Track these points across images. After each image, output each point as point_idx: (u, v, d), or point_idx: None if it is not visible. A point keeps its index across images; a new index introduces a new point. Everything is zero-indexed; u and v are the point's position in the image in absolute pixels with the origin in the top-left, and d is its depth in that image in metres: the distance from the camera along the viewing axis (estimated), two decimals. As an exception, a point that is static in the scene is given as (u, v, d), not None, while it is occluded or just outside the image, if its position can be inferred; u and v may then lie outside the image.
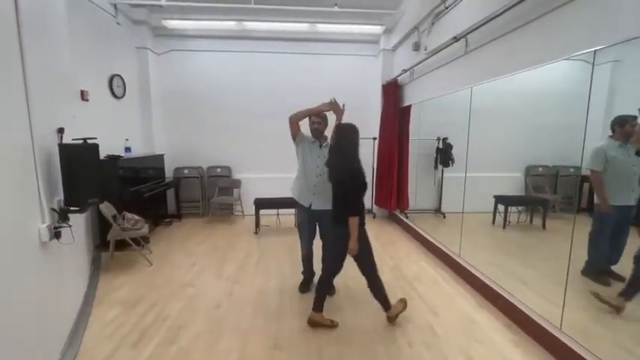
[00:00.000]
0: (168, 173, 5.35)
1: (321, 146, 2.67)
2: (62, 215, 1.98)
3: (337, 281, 2.97)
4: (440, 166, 4.61)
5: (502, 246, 3.58)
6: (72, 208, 2.04)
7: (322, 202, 2.65)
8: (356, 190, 2.17)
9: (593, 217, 2.32)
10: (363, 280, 3.08)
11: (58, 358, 1.89)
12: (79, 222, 2.67)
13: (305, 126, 2.67)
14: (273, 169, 5.54)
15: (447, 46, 3.36)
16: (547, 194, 3.38)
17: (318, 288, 2.41)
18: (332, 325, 2.33)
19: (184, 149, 5.52)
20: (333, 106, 2.55)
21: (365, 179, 2.22)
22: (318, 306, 2.34)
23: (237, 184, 5.51)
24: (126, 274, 3.20)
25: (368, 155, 5.56)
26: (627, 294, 2.08)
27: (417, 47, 4.24)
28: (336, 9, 4.41)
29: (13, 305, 1.49)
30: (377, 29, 5.06)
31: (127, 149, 4.47)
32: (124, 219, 3.44)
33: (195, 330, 2.29)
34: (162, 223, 4.96)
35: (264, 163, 5.64)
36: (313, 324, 2.33)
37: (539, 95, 2.94)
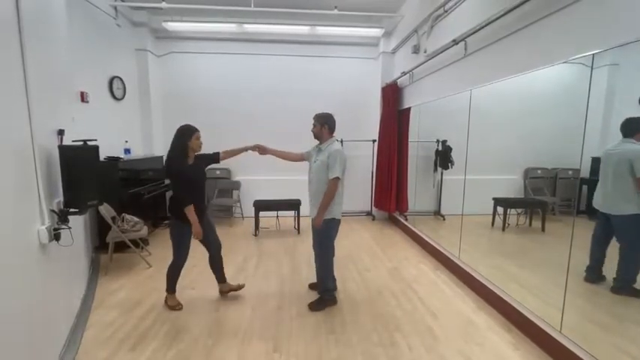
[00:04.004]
0: (168, 175, 5.34)
1: (319, 150, 2.65)
2: (62, 217, 1.97)
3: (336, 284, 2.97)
4: (439, 169, 4.61)
5: (501, 248, 3.58)
6: (71, 210, 2.03)
7: (313, 209, 2.64)
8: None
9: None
10: (361, 284, 3.10)
11: (56, 361, 1.88)
12: (78, 224, 2.67)
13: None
14: (272, 171, 5.52)
15: (447, 49, 3.38)
16: (546, 197, 3.38)
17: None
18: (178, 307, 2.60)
19: (184, 151, 5.51)
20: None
21: (189, 175, 2.64)
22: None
23: (236, 185, 5.50)
24: (125, 277, 3.19)
25: (367, 157, 5.59)
26: None
27: (416, 50, 4.26)
28: (335, 12, 4.43)
29: (11, 307, 1.48)
30: (376, 32, 5.07)
31: (127, 151, 4.47)
32: (123, 221, 3.43)
33: (194, 333, 2.29)
34: (161, 225, 4.95)
35: (264, 165, 5.58)
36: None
37: (538, 98, 2.94)
